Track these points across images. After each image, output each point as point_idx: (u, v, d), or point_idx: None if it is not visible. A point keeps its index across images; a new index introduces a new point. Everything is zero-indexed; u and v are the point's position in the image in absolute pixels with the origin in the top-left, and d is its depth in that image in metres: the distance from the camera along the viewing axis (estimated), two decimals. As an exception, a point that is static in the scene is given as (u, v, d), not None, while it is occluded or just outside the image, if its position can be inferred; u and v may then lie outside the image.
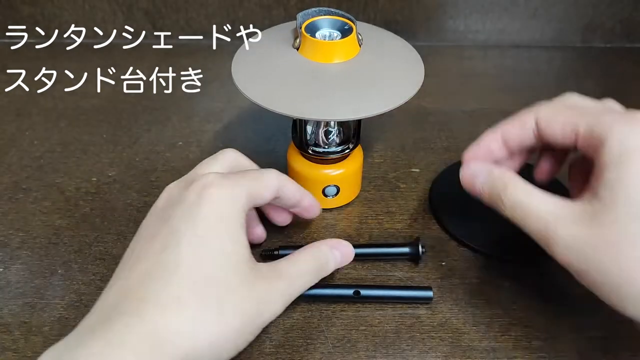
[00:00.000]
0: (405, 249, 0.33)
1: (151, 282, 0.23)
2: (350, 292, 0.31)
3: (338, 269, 0.31)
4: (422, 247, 0.33)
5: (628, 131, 0.23)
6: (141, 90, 0.50)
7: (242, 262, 0.25)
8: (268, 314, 0.25)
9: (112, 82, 0.52)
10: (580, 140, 0.25)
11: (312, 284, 0.28)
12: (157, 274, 0.23)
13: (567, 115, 0.26)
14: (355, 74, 0.30)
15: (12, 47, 0.56)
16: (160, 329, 0.22)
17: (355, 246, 0.31)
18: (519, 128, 0.27)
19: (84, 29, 0.57)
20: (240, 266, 0.25)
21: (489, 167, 0.28)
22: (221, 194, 0.26)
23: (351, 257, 0.31)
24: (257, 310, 0.25)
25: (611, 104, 0.27)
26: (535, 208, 0.25)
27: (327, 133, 0.35)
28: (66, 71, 0.53)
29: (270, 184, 0.28)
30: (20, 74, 0.53)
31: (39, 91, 0.50)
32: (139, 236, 0.27)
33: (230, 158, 0.30)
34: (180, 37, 0.58)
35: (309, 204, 0.32)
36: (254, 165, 0.31)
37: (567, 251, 0.23)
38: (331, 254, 0.30)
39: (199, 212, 0.25)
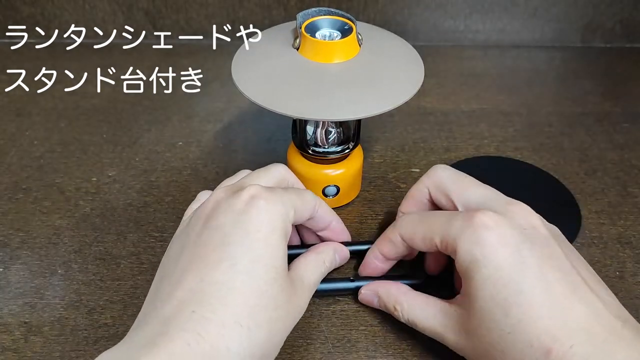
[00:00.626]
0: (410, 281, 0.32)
1: (210, 299, 0.23)
2: (346, 283, 0.31)
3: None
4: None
5: (472, 242, 0.25)
6: (141, 90, 0.50)
7: (285, 276, 0.25)
8: (297, 321, 0.26)
9: (112, 82, 0.52)
10: (440, 249, 0.27)
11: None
12: (215, 291, 0.23)
13: (422, 229, 0.28)
14: (355, 74, 0.30)
15: (12, 47, 0.56)
16: (221, 350, 0.22)
17: (359, 243, 0.33)
18: (392, 246, 0.30)
19: (84, 29, 0.57)
20: (285, 281, 0.25)
21: (380, 289, 0.30)
22: (270, 206, 0.26)
23: (346, 259, 0.32)
24: (294, 322, 0.26)
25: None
26: (425, 323, 0.27)
27: (327, 133, 0.35)
28: (66, 71, 0.53)
29: (310, 202, 0.29)
30: (20, 74, 0.53)
31: (39, 91, 0.50)
32: (187, 238, 0.26)
33: (279, 173, 0.30)
34: (180, 37, 0.58)
35: (340, 229, 0.32)
36: (299, 184, 0.31)
37: (458, 350, 0.26)
38: (334, 257, 0.31)
39: (250, 222, 0.25)
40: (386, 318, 0.31)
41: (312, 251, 0.30)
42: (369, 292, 0.31)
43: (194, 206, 0.30)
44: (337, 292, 0.32)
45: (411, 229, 0.28)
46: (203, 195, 0.31)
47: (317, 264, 0.29)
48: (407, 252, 0.30)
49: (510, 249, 0.24)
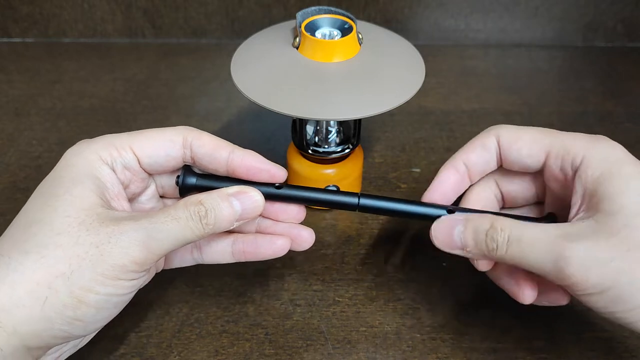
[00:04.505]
0: (352, 200, 0.27)
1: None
2: (351, 199, 0.27)
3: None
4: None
5: (609, 147, 0.24)
6: (140, 90, 0.50)
7: (80, 208, 0.23)
8: (117, 256, 0.22)
9: (111, 82, 0.51)
10: (551, 159, 0.24)
11: (192, 235, 0.23)
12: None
13: (533, 133, 0.25)
14: (356, 73, 0.30)
15: (11, 47, 0.56)
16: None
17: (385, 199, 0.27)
18: (480, 151, 0.26)
19: (82, 28, 0.56)
20: (75, 212, 0.22)
21: (465, 216, 0.24)
22: (74, 150, 0.25)
23: (259, 208, 0.25)
24: (97, 252, 0.22)
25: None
26: (535, 236, 0.22)
27: (327, 133, 0.35)
28: (65, 70, 0.53)
29: (160, 136, 0.26)
30: (19, 73, 0.53)
31: (37, 91, 0.50)
32: None
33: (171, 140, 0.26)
34: (180, 37, 0.57)
35: (249, 163, 0.25)
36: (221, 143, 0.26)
37: (584, 269, 0.21)
38: (225, 202, 0.24)
39: (52, 173, 0.24)
40: (386, 318, 0.31)
41: (180, 203, 0.24)
42: (442, 224, 0.24)
43: None
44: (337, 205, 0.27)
45: (515, 132, 0.24)
46: None
47: (182, 201, 0.24)
48: (495, 167, 0.26)
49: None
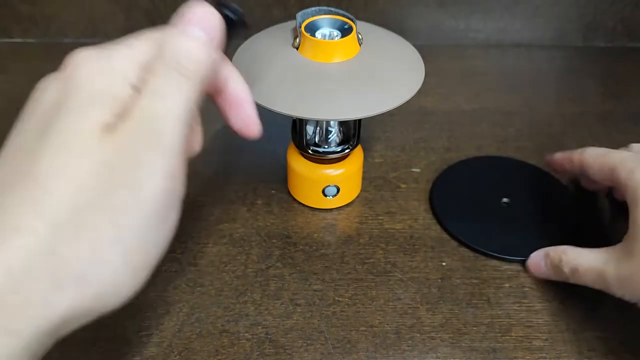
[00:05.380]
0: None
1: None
2: None
3: None
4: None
5: (631, 164, 0.29)
6: (141, 90, 0.50)
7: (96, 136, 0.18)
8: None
9: (112, 82, 0.51)
10: (611, 179, 0.31)
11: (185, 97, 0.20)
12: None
13: (605, 158, 0.31)
14: (355, 73, 0.30)
15: (11, 47, 0.56)
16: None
17: None
18: (569, 160, 0.35)
19: (83, 29, 0.56)
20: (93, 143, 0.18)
21: (544, 251, 0.32)
22: (85, 63, 0.20)
23: (214, 24, 0.22)
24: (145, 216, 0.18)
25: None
26: (587, 264, 0.29)
27: (327, 133, 0.35)
28: (66, 71, 0.53)
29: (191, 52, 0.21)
30: (20, 73, 0.53)
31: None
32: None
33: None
34: (180, 37, 0.57)
35: (241, 97, 0.24)
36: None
37: (621, 287, 0.27)
38: (179, 33, 0.21)
39: (55, 97, 0.20)
40: (386, 318, 0.31)
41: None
42: (535, 260, 0.33)
43: None
44: None
45: (595, 153, 0.32)
46: None
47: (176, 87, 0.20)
48: (577, 172, 0.34)
49: None
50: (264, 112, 0.29)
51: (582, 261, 0.29)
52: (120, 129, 0.19)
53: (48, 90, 0.21)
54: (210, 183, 0.40)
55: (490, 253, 0.34)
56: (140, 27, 0.57)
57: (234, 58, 0.32)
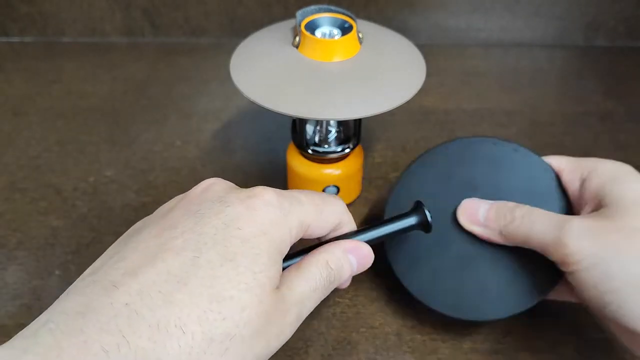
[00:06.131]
0: (412, 219, 0.27)
1: (153, 292, 0.18)
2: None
3: None
4: (429, 211, 0.27)
5: (616, 163, 0.28)
6: (139, 90, 0.50)
7: (269, 290, 0.20)
8: (276, 345, 0.21)
9: (110, 81, 0.51)
10: (566, 175, 0.29)
11: (323, 298, 0.24)
12: (163, 282, 0.19)
13: (578, 162, 0.29)
14: (356, 72, 0.30)
15: (9, 46, 0.56)
16: None
17: (357, 232, 0.26)
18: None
19: (81, 28, 0.56)
20: (267, 294, 0.20)
21: (489, 202, 0.29)
22: (270, 212, 0.22)
23: (370, 261, 0.26)
24: (268, 349, 0.21)
25: None
26: (545, 214, 0.26)
27: (327, 133, 0.35)
28: (63, 70, 0.52)
29: (330, 221, 0.25)
30: (17, 72, 0.52)
31: (35, 90, 0.50)
32: (157, 214, 0.23)
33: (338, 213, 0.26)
34: (179, 36, 0.57)
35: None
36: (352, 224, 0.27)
37: (578, 238, 0.24)
38: (345, 261, 0.24)
39: (232, 222, 0.21)
40: (387, 319, 0.30)
41: (313, 253, 0.24)
42: (471, 203, 0.29)
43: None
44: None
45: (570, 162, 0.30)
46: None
47: (315, 268, 0.23)
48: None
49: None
50: (263, 112, 0.29)
51: (538, 212, 0.26)
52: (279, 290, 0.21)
53: (238, 218, 0.21)
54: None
55: None
56: (138, 26, 0.57)
57: (233, 57, 0.32)
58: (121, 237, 0.23)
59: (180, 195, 0.24)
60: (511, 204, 0.28)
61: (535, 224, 0.26)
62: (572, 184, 0.29)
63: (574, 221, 0.25)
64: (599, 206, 0.26)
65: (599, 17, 0.56)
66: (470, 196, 0.30)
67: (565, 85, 0.52)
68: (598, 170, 0.27)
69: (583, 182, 0.28)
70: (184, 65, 0.54)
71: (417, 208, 0.28)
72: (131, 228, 0.23)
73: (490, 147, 0.32)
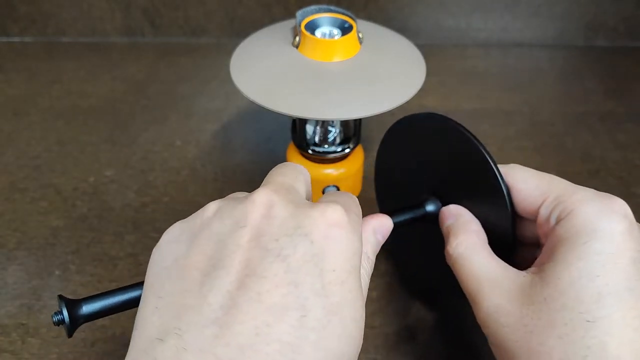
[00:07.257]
0: (425, 209, 0.27)
1: None
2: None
3: None
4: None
5: (601, 211, 0.21)
6: (139, 90, 0.50)
7: (362, 329, 0.19)
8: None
9: (110, 81, 0.51)
10: (542, 210, 0.23)
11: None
12: (276, 354, 0.16)
13: (538, 179, 0.24)
14: (356, 72, 0.30)
15: (9, 46, 0.56)
16: None
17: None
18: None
19: (81, 28, 0.56)
20: (361, 334, 0.19)
21: (462, 213, 0.26)
22: (349, 239, 0.19)
23: (389, 232, 0.25)
24: None
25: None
26: (474, 267, 0.23)
27: (327, 133, 0.35)
28: (63, 70, 0.52)
29: (386, 231, 0.25)
30: (17, 72, 0.52)
31: (35, 90, 0.50)
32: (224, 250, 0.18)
33: (308, 179, 0.24)
34: (179, 36, 0.57)
35: None
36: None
37: (488, 319, 0.22)
38: (374, 239, 0.24)
39: (324, 264, 0.18)
40: (387, 319, 0.30)
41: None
42: (451, 211, 0.26)
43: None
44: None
45: (524, 173, 0.24)
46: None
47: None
48: None
49: (636, 246, 0.20)
50: (263, 112, 0.29)
51: (472, 261, 0.23)
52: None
53: (325, 255, 0.18)
54: (210, 183, 0.40)
55: None
56: (138, 26, 0.57)
57: (233, 57, 0.32)
58: (161, 269, 0.19)
59: (229, 222, 0.19)
60: (461, 229, 0.25)
61: (460, 273, 0.24)
62: (544, 221, 0.23)
63: (489, 298, 0.22)
64: (542, 263, 0.21)
65: (599, 17, 0.56)
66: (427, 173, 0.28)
67: (565, 85, 0.52)
68: (573, 218, 0.21)
69: (557, 222, 0.22)
70: (184, 65, 0.54)
71: (428, 199, 0.27)
72: (168, 257, 0.20)
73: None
